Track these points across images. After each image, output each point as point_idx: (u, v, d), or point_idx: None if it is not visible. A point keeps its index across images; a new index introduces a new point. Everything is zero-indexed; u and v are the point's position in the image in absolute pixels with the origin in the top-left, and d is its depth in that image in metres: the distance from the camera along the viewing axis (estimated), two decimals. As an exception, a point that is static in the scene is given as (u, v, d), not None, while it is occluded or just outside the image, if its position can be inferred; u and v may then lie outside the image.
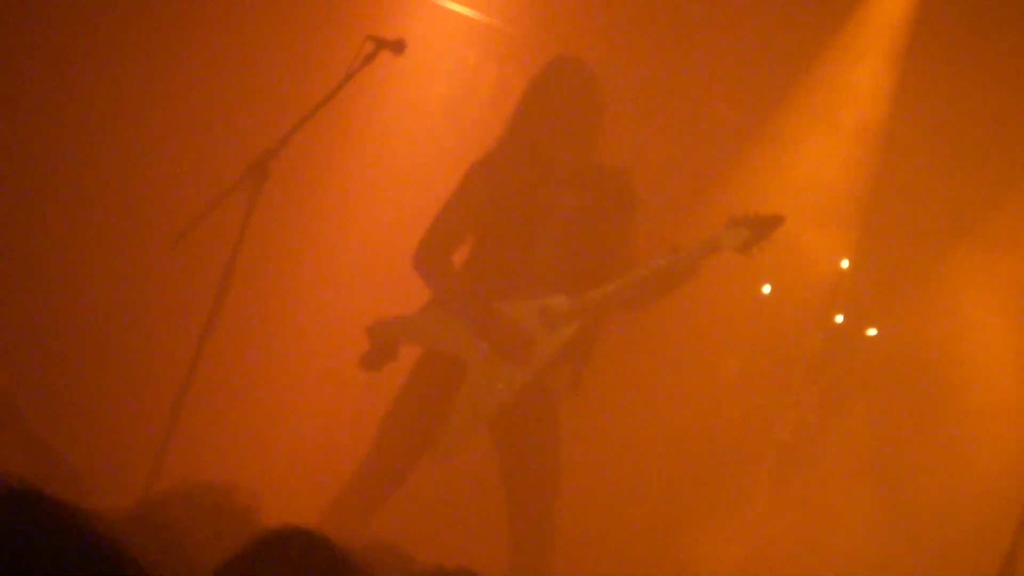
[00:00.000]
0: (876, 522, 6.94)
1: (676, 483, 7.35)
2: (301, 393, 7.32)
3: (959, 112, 7.25)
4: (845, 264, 7.16)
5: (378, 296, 6.56)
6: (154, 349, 6.99)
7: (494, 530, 5.71)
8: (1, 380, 6.01)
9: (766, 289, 7.22)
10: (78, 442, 6.23)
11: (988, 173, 7.30)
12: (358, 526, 5.39)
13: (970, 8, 7.30)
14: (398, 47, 5.40)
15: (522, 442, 5.51)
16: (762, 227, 5.31)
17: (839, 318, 7.11)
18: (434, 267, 5.51)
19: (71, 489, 5.63)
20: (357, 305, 6.72)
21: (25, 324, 7.03)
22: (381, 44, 5.38)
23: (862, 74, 7.50)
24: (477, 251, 5.53)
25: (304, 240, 7.48)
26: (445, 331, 5.49)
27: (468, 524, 6.60)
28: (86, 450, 6.22)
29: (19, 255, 7.11)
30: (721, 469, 7.29)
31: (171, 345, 6.49)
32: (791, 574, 6.90)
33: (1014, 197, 7.30)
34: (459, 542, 6.48)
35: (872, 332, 7.12)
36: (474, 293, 5.46)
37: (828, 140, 7.45)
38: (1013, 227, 7.27)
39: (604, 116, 5.52)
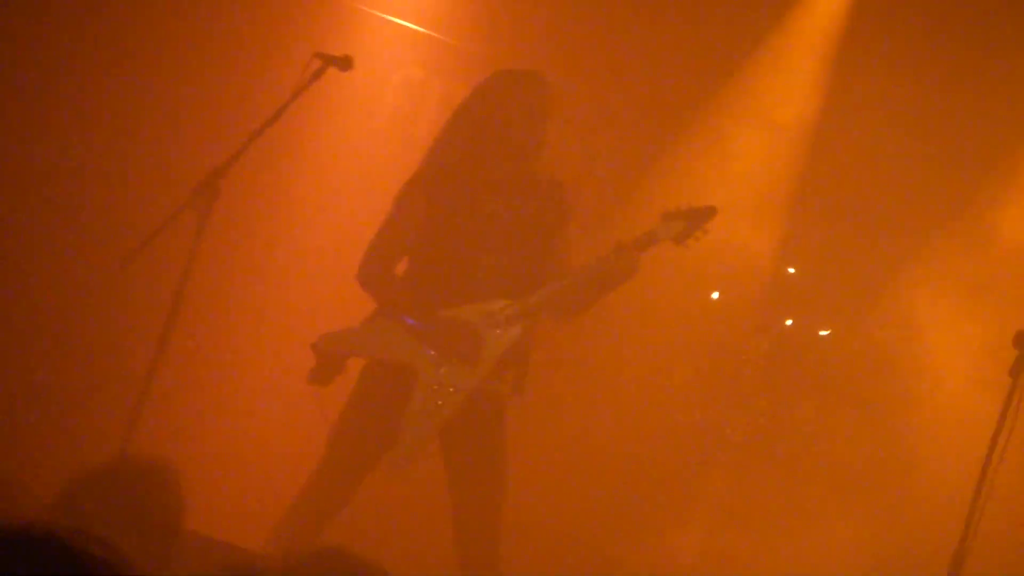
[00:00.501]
0: (827, 521, 6.98)
1: (630, 486, 7.39)
2: (254, 407, 7.34)
3: (904, 108, 7.37)
4: (791, 270, 7.26)
5: (330, 309, 6.58)
6: (108, 368, 6.99)
7: (445, 535, 5.75)
8: None
9: (715, 295, 7.32)
10: (29, 465, 6.23)
11: (937, 170, 7.42)
12: (312, 536, 5.45)
13: (904, 5, 7.44)
14: (345, 64, 5.45)
15: (469, 447, 5.58)
16: (696, 218, 5.49)
17: (788, 322, 7.21)
18: (377, 281, 5.57)
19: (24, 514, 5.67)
20: (309, 319, 6.74)
21: None
22: (328, 61, 5.42)
23: (797, 73, 7.61)
24: (419, 262, 5.60)
25: (255, 256, 7.50)
26: (391, 340, 5.55)
27: (419, 530, 6.62)
28: (37, 473, 6.23)
29: None
30: (674, 472, 7.34)
31: (125, 363, 6.53)
32: (743, 574, 6.96)
33: (964, 194, 7.41)
34: (411, 547, 6.53)
35: (824, 333, 7.21)
36: (418, 302, 5.53)
37: (766, 140, 7.58)
38: (964, 225, 7.37)
39: (549, 128, 5.58)
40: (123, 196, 7.16)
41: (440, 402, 5.49)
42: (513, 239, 5.52)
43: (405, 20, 7.63)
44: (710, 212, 5.51)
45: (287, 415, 6.97)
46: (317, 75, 5.41)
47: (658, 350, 7.51)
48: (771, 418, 7.09)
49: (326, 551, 1.99)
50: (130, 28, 7.25)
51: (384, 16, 7.60)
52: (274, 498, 5.97)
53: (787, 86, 7.61)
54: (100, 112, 7.26)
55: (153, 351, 5.25)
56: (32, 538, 1.51)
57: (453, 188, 5.53)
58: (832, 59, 7.51)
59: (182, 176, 5.83)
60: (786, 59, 7.60)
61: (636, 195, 7.49)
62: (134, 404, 5.22)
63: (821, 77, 7.55)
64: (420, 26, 7.64)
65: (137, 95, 7.27)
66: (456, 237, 5.51)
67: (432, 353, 5.49)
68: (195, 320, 6.14)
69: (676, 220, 5.49)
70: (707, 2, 7.63)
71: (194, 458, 7.03)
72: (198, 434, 7.14)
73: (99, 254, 6.81)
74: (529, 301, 5.48)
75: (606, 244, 5.53)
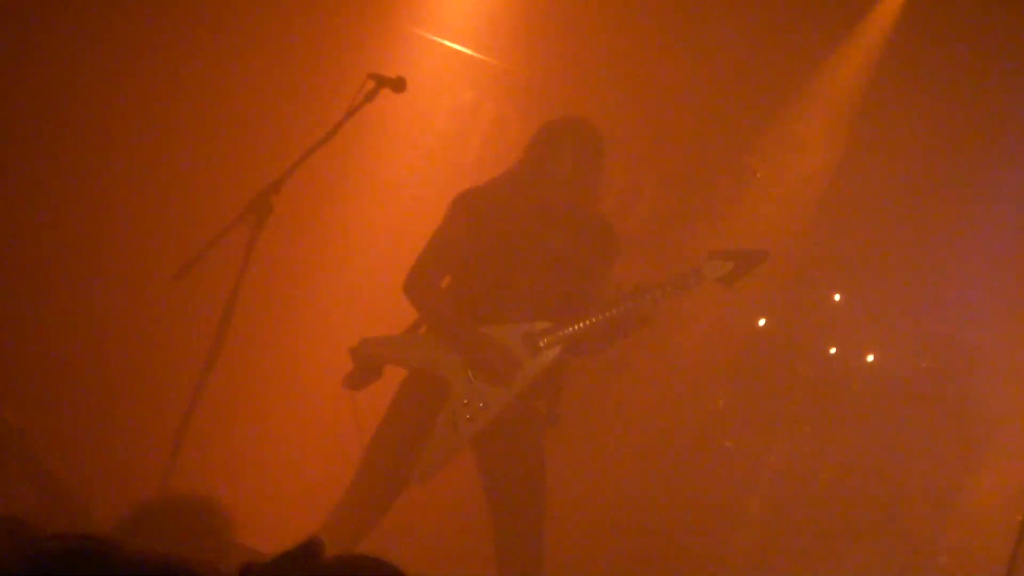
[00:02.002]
0: (870, 549, 6.91)
1: (671, 510, 7.37)
2: (298, 418, 7.40)
3: (942, 137, 7.35)
4: (837, 297, 7.20)
5: (377, 323, 6.63)
6: (158, 380, 7.04)
7: (487, 550, 5.74)
8: (7, 415, 6.07)
9: (761, 322, 7.28)
10: (83, 471, 6.30)
11: (978, 198, 7.37)
12: (350, 545, 5.41)
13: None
14: (399, 85, 5.49)
15: (506, 463, 5.58)
16: (746, 261, 5.45)
17: (832, 350, 7.13)
18: (421, 293, 5.61)
19: (80, 520, 5.66)
20: (356, 331, 6.80)
21: (30, 354, 7.10)
22: (382, 82, 5.46)
23: (837, 108, 7.60)
24: (461, 276, 5.63)
25: (305, 271, 7.55)
26: (429, 352, 5.58)
27: (461, 543, 6.64)
28: (91, 479, 6.30)
29: (23, 287, 7.19)
30: (715, 495, 7.30)
31: (174, 376, 6.56)
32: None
33: (1007, 221, 7.32)
34: (451, 561, 6.53)
35: (870, 359, 7.12)
36: (459, 317, 5.55)
37: (808, 171, 7.57)
38: (1011, 253, 7.28)
39: (603, 173, 5.60)
40: (178, 210, 7.22)
41: (468, 416, 5.51)
42: (553, 267, 5.55)
43: (458, 44, 7.65)
44: (761, 256, 5.47)
45: (332, 425, 7.00)
46: (371, 96, 5.45)
47: (703, 374, 7.49)
48: (813, 445, 7.03)
49: (353, 558, 2.06)
50: (186, 46, 7.31)
51: (437, 39, 7.63)
52: (314, 506, 5.97)
53: (831, 116, 7.62)
54: (156, 128, 7.32)
55: (205, 362, 5.29)
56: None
57: (499, 212, 5.57)
58: (867, 95, 7.50)
59: (235, 191, 5.84)
60: (823, 98, 7.62)
61: (681, 226, 7.50)
62: (185, 410, 5.26)
63: (859, 111, 7.55)
64: (472, 50, 7.65)
65: (194, 112, 7.33)
66: (497, 257, 5.55)
67: (470, 370, 5.50)
68: (244, 332, 6.10)
69: (724, 261, 5.45)
70: (750, 43, 7.62)
71: (240, 467, 7.15)
72: (245, 442, 7.22)
73: (154, 266, 6.80)
74: (569, 328, 5.48)
75: (643, 279, 5.51)
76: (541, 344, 5.49)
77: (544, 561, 5.59)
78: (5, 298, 7.17)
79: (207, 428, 5.94)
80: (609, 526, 7.32)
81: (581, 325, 5.47)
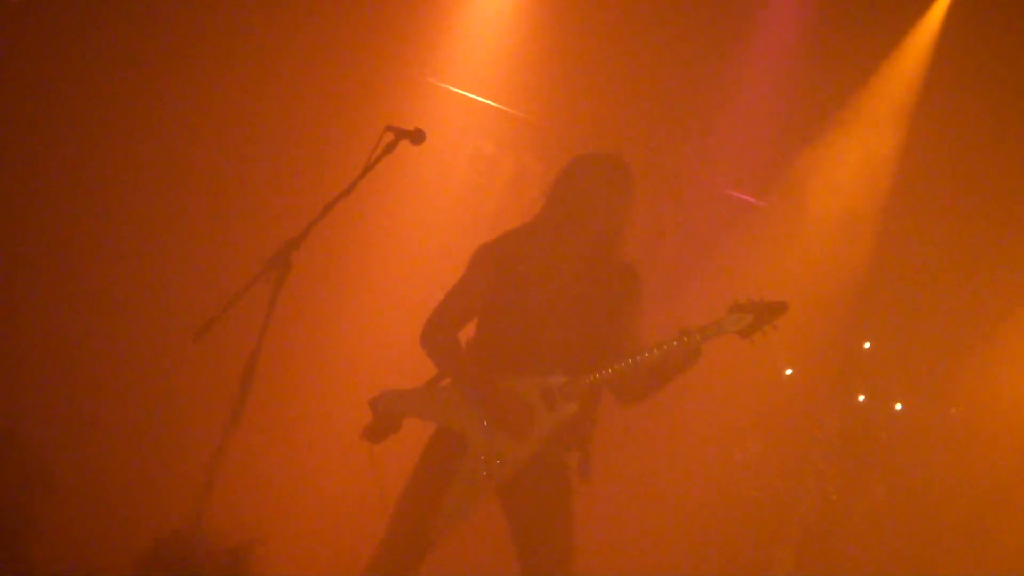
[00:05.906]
0: None
1: (699, 562, 7.29)
2: (324, 474, 7.35)
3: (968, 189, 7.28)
4: (867, 345, 7.12)
5: (401, 376, 6.55)
6: (182, 440, 7.01)
7: None
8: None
9: (788, 372, 7.21)
10: (117, 527, 6.27)
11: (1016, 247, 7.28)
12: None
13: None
14: (417, 137, 5.39)
15: (534, 516, 5.49)
16: (766, 313, 5.31)
17: (860, 397, 7.05)
18: (439, 344, 5.52)
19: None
20: (380, 386, 6.71)
21: (56, 417, 7.03)
22: (401, 134, 5.38)
23: (873, 151, 7.53)
24: (483, 328, 5.55)
25: (328, 326, 7.50)
26: (447, 405, 5.51)
27: None
28: (124, 531, 6.26)
29: (47, 350, 7.17)
30: (744, 549, 7.23)
31: (198, 435, 6.51)
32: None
33: None
34: None
35: (898, 407, 7.04)
36: (478, 369, 5.47)
37: (837, 219, 7.51)
38: None
39: (628, 213, 5.50)
40: (197, 269, 7.20)
41: (485, 473, 5.43)
42: (580, 316, 5.47)
43: (476, 94, 7.60)
44: (780, 308, 5.33)
45: (359, 478, 6.93)
46: (390, 148, 5.35)
47: (729, 424, 7.42)
48: (842, 494, 6.96)
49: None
50: (204, 103, 7.30)
51: (455, 90, 7.58)
52: (343, 563, 6.06)
53: (864, 162, 7.57)
54: (174, 186, 7.31)
55: (227, 418, 5.17)
56: None
57: (526, 259, 5.50)
58: (901, 146, 7.44)
59: (255, 249, 5.84)
60: (856, 140, 7.55)
61: (704, 272, 7.43)
62: (209, 467, 5.15)
63: (895, 155, 7.49)
64: (491, 100, 7.61)
65: (211, 170, 7.32)
66: (523, 307, 5.47)
67: (486, 423, 5.42)
68: (267, 390, 6.09)
69: (744, 313, 5.34)
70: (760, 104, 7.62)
71: (265, 521, 7.07)
72: (268, 502, 7.17)
73: (175, 327, 6.73)
74: (585, 380, 5.38)
75: (672, 323, 5.45)
76: (558, 398, 5.40)
77: None
78: (31, 359, 7.15)
79: (232, 485, 5.88)
80: (640, 571, 7.26)
81: (595, 379, 5.37)
